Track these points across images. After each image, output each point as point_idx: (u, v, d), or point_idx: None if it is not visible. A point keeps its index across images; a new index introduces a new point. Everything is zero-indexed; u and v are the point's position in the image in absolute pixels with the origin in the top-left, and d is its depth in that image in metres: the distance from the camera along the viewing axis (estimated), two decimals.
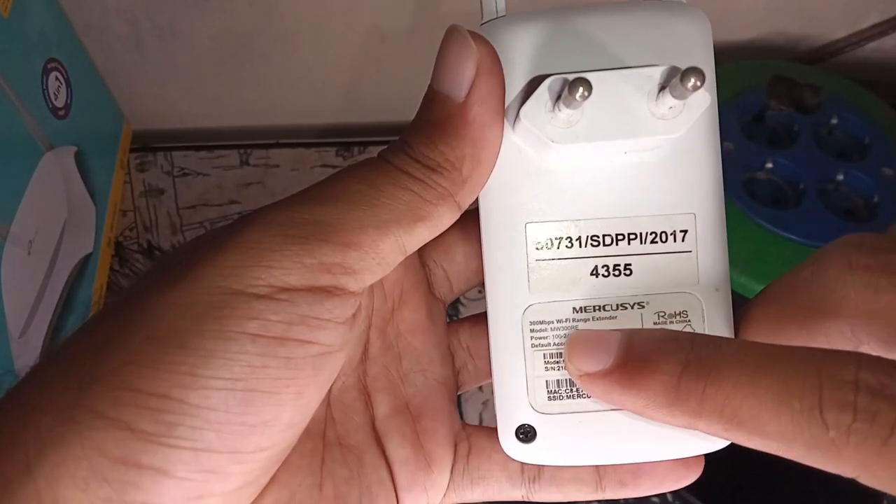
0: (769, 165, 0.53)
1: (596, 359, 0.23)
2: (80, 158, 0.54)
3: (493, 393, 0.26)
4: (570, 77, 0.22)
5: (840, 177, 0.53)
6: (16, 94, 0.46)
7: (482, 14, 0.25)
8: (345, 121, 0.69)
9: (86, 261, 0.56)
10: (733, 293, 0.26)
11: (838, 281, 0.21)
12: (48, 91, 0.50)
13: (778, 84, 0.55)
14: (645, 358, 0.22)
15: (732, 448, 0.24)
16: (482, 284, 0.26)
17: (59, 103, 0.52)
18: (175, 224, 0.63)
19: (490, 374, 0.26)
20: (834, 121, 0.55)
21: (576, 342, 0.24)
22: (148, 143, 0.66)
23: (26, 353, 0.47)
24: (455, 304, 0.49)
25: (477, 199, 0.25)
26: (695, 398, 0.20)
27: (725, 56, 0.61)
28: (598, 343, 0.23)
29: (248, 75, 0.63)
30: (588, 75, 0.22)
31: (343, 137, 0.67)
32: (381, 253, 0.22)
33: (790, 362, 0.19)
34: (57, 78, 0.52)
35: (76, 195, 0.54)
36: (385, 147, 0.23)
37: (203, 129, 0.69)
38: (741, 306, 0.25)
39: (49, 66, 0.50)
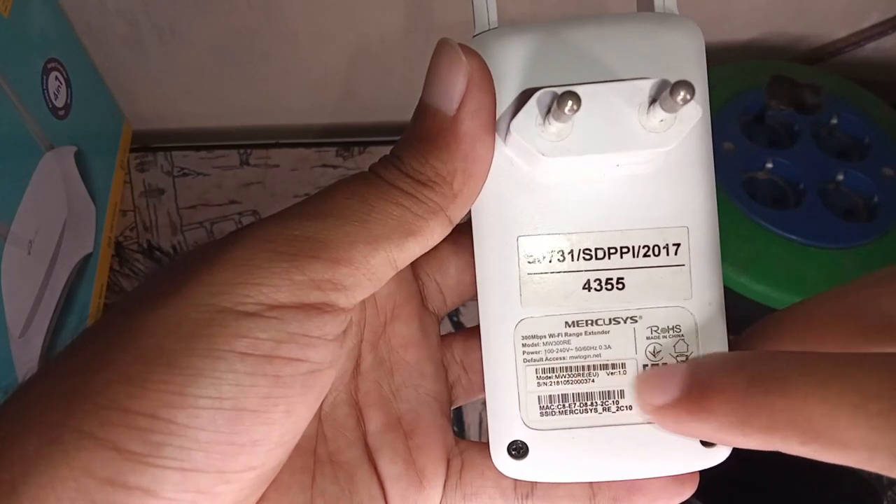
0: (769, 165, 0.52)
1: (664, 391, 0.23)
2: (80, 158, 0.54)
3: (485, 408, 0.26)
4: (560, 90, 0.21)
5: (840, 177, 0.52)
6: (16, 94, 0.46)
7: (474, 26, 0.25)
8: (345, 121, 0.68)
9: (86, 261, 0.56)
10: (734, 294, 0.26)
11: (893, 309, 0.20)
12: (48, 91, 0.50)
13: (778, 84, 0.55)
14: (709, 381, 0.21)
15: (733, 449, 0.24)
16: (476, 297, 0.26)
17: (59, 103, 0.52)
18: (175, 224, 0.63)
19: (484, 389, 0.26)
20: (834, 121, 0.55)
21: (644, 377, 0.24)
22: (148, 143, 0.66)
23: (26, 354, 0.47)
24: (455, 309, 0.49)
25: (470, 213, 0.25)
26: (765, 413, 0.19)
27: (725, 56, 0.61)
28: (665, 376, 0.23)
29: (248, 75, 0.63)
30: (578, 88, 0.22)
31: (343, 137, 0.67)
32: (372, 269, 0.22)
33: (862, 367, 0.18)
34: (57, 78, 0.52)
35: (76, 195, 0.54)
36: (377, 161, 0.23)
37: (203, 129, 0.69)
38: (740, 308, 0.25)
39: (49, 66, 0.51)
